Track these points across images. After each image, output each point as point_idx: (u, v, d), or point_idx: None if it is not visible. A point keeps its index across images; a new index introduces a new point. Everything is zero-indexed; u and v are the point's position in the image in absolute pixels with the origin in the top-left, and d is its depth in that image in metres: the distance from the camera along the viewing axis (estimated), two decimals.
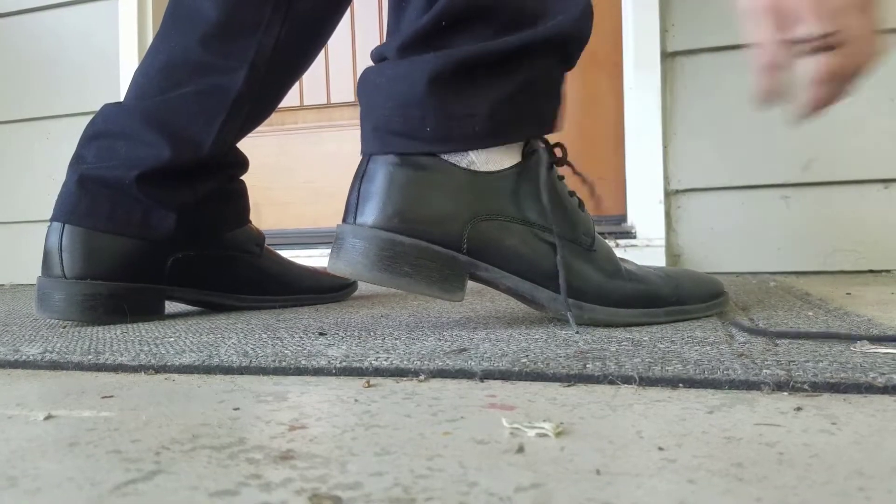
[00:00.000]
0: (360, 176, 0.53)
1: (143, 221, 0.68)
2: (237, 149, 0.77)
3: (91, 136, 0.70)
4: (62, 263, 0.65)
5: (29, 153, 1.62)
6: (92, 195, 0.67)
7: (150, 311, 0.69)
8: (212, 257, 0.74)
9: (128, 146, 0.68)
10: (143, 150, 0.68)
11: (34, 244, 1.65)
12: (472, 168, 0.52)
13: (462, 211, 0.52)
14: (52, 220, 0.66)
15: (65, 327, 0.65)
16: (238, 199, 0.79)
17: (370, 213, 0.51)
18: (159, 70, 0.70)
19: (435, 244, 0.51)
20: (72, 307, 0.65)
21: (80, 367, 0.47)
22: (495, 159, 0.53)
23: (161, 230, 0.69)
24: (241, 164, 0.78)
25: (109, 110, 0.71)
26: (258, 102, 0.73)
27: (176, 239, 0.70)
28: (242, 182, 0.79)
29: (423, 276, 0.51)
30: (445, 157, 0.52)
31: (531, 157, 0.54)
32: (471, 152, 0.52)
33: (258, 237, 0.80)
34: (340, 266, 0.52)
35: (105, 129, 0.69)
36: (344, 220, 0.53)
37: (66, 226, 0.65)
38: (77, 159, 0.69)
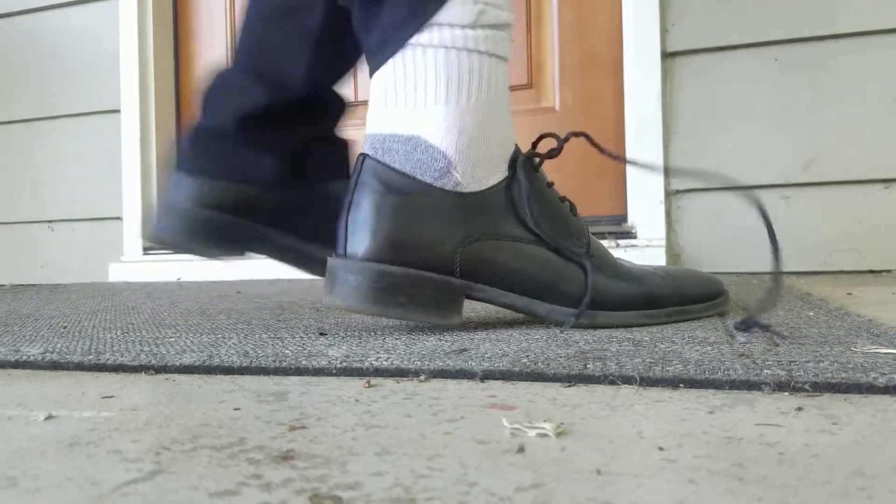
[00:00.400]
0: (348, 206, 0.53)
1: (246, 166, 0.71)
2: (335, 92, 0.77)
3: (202, 96, 0.74)
4: (184, 198, 0.70)
5: (30, 154, 1.62)
6: (202, 146, 0.71)
7: (241, 245, 0.73)
8: (309, 203, 0.75)
9: (229, 96, 0.72)
10: (241, 98, 0.71)
11: (35, 245, 1.66)
12: (457, 190, 0.52)
13: (452, 234, 0.52)
14: (176, 169, 0.71)
15: (65, 327, 0.65)
16: (338, 150, 0.78)
17: (360, 245, 0.51)
18: (251, 22, 0.74)
19: (427, 271, 0.51)
20: (193, 228, 0.69)
21: (80, 367, 0.47)
22: (479, 178, 0.53)
23: (264, 174, 0.71)
24: (339, 105, 0.77)
25: (216, 70, 0.74)
26: (341, 40, 0.74)
27: (277, 182, 0.72)
28: (344, 138, 0.79)
29: (419, 303, 0.51)
30: (430, 181, 0.52)
31: (515, 172, 0.54)
32: (455, 173, 0.52)
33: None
34: (336, 301, 0.52)
35: (211, 85, 0.73)
36: (335, 253, 0.53)
37: (188, 174, 0.70)
38: (193, 118, 0.74)
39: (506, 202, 0.54)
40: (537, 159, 0.56)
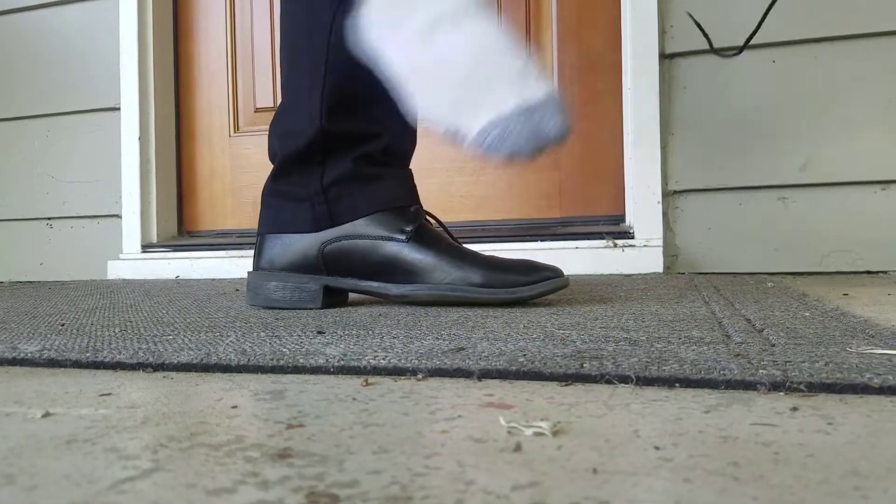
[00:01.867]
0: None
1: (292, 219, 0.76)
2: (363, 121, 0.75)
3: None
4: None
5: (29, 151, 1.62)
6: (264, 210, 0.80)
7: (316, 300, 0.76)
8: (353, 244, 0.74)
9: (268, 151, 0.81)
10: (270, 154, 0.79)
11: (33, 242, 1.66)
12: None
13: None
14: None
15: (63, 325, 0.65)
16: (367, 183, 0.75)
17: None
18: None
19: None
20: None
21: (78, 364, 0.47)
22: None
23: (304, 222, 0.75)
24: (369, 135, 0.75)
25: None
26: (338, 70, 0.74)
27: (317, 228, 0.75)
28: (378, 168, 0.76)
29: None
30: None
31: None
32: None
33: (405, 221, 0.73)
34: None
35: None
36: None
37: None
38: None
39: None
40: None
